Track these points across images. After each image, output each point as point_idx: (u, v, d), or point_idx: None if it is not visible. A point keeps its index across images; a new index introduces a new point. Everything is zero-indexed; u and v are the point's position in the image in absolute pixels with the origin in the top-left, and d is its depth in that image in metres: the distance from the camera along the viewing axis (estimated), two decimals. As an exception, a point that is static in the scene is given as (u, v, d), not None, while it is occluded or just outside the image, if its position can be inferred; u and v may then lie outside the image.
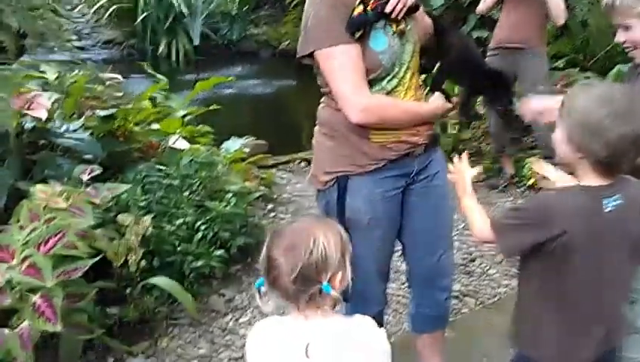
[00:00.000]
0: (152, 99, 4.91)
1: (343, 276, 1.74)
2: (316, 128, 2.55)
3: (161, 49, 11.76)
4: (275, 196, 5.27)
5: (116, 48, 12.33)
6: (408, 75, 2.41)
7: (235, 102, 8.98)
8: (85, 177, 3.30)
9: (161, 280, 3.34)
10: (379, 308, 2.69)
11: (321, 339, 1.71)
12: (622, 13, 2.34)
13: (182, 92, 6.48)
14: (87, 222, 2.99)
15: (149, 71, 5.63)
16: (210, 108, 5.14)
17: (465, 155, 2.35)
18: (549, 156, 5.04)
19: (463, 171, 2.29)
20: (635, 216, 1.94)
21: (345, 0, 2.26)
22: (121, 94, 4.62)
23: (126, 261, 3.32)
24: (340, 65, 2.28)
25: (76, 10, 12.65)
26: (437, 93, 2.53)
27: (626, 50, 2.40)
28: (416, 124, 2.43)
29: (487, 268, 4.23)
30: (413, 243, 2.67)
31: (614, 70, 6.15)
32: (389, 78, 2.36)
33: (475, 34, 7.10)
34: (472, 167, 2.31)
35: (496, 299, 3.89)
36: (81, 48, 11.63)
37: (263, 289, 1.76)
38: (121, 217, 3.25)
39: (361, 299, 2.40)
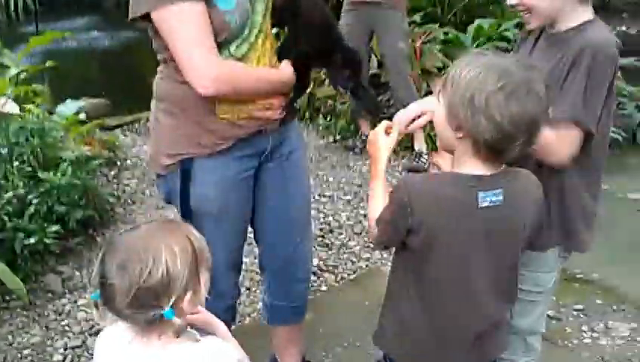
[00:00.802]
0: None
1: (195, 295, 1.50)
2: (153, 103, 2.25)
3: (-3, -3, 10.76)
4: (119, 161, 4.91)
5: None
6: (261, 39, 2.14)
7: (76, 57, 8.45)
8: None
9: (-16, 263, 2.99)
10: (231, 302, 2.48)
11: None
12: None
13: (19, 47, 5.91)
14: None
15: None
16: (46, 65, 4.69)
17: (383, 123, 1.99)
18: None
19: (379, 144, 1.94)
20: (515, 216, 1.74)
21: None
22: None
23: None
24: (183, 28, 1.95)
25: None
26: (285, 60, 2.25)
27: (519, 14, 2.12)
28: (270, 96, 2.18)
29: (347, 239, 4.07)
30: (265, 230, 2.46)
31: (474, 25, 6.17)
32: (238, 42, 2.08)
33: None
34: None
35: (356, 274, 3.70)
36: None
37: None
38: None
39: (212, 294, 2.21)
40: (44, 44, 5.02)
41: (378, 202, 1.84)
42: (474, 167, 1.69)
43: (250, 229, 2.47)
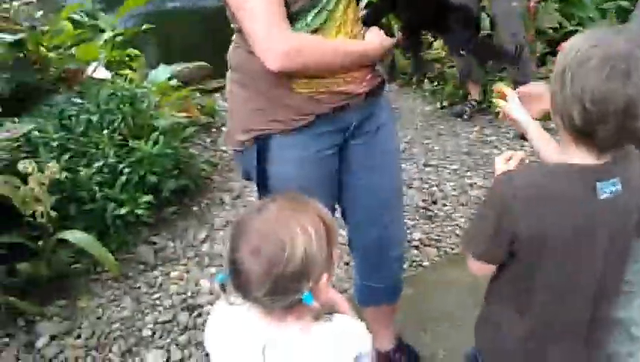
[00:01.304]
0: (74, 20, 4.34)
1: (329, 274, 1.42)
2: (228, 74, 2.04)
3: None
4: (218, 125, 4.78)
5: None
6: (341, 6, 1.88)
7: (179, 18, 8.32)
8: (-23, 118, 2.81)
9: (74, 234, 2.90)
10: None
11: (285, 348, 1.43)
12: None
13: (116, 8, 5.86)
14: (-24, 171, 2.53)
15: None
16: (142, 28, 4.59)
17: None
18: (521, 81, 4.69)
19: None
20: (632, 203, 1.51)
21: None
22: (39, 13, 4.08)
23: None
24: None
25: None
26: (373, 28, 2.00)
27: None
28: (351, 69, 1.93)
29: (452, 211, 3.79)
30: (353, 209, 2.23)
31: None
32: (315, 10, 1.83)
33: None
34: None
35: (460, 248, 3.40)
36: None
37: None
38: (21, 164, 2.77)
39: None
40: (141, 4, 4.88)
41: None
42: (581, 156, 1.46)
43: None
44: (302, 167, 1.98)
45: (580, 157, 1.47)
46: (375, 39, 1.97)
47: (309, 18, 1.83)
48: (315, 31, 1.85)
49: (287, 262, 1.31)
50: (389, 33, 2.03)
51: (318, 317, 1.43)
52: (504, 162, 1.69)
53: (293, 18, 1.80)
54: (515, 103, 1.85)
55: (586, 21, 5.25)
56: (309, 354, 1.42)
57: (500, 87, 1.95)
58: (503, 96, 1.89)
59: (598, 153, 1.45)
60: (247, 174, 2.07)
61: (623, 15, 5.29)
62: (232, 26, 1.95)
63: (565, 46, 1.45)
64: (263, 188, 2.01)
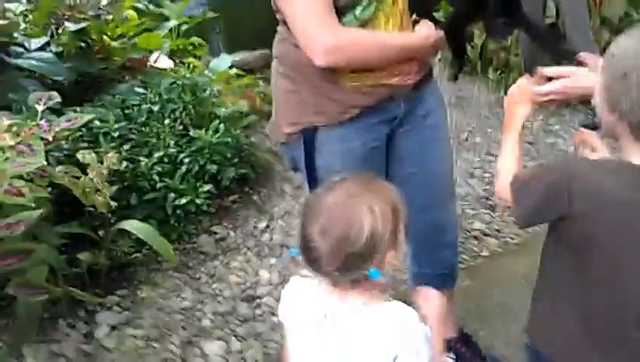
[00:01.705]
0: (138, 9, 4.35)
1: (396, 251, 1.48)
2: (273, 64, 2.03)
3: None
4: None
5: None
6: None
7: (250, 5, 8.30)
8: (40, 107, 2.81)
9: (133, 224, 2.89)
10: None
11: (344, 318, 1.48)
12: None
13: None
14: (35, 163, 2.52)
15: None
16: (206, 16, 4.57)
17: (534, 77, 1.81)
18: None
19: (518, 104, 1.76)
20: None
21: None
22: (105, 1, 4.10)
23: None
24: None
25: None
26: (425, 20, 1.95)
27: None
28: (400, 62, 1.89)
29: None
30: (404, 196, 2.17)
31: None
32: (364, 3, 1.80)
33: None
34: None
35: (521, 238, 3.33)
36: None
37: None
38: (80, 154, 2.77)
39: None
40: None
41: (509, 161, 1.67)
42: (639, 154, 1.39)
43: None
44: (348, 160, 1.96)
45: (637, 156, 1.41)
46: (423, 33, 1.92)
47: (358, 11, 1.80)
48: (364, 24, 1.81)
49: (354, 242, 1.38)
50: (438, 25, 1.96)
51: (384, 292, 1.51)
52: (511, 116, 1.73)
53: (341, 11, 1.78)
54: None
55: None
56: (369, 327, 1.46)
57: (582, 138, 1.84)
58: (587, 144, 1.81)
59: None
60: (294, 165, 2.07)
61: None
62: (277, 16, 1.92)
63: (617, 48, 1.41)
64: (312, 180, 1.99)
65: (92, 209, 2.88)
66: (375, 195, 1.45)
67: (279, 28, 1.96)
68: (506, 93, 4.85)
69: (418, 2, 1.97)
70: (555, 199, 1.42)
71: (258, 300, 3.00)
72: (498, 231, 3.41)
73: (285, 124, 1.98)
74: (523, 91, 1.77)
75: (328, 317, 1.49)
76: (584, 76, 1.74)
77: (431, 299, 1.66)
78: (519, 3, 1.97)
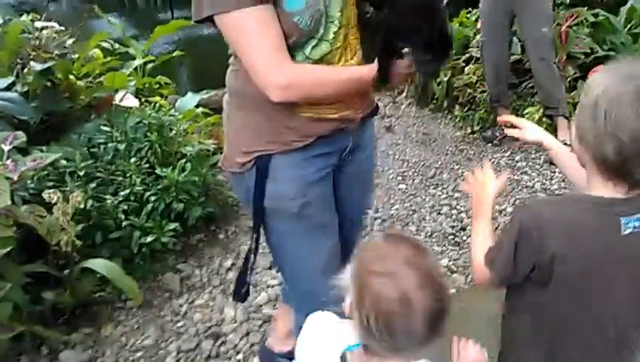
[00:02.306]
0: (104, 48, 4.38)
1: None
2: (226, 98, 2.06)
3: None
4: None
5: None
6: (342, 34, 1.89)
7: (209, 43, 8.37)
8: (6, 147, 2.83)
9: (98, 263, 2.90)
10: (335, 308, 2.28)
11: None
12: None
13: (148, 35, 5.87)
14: (0, 203, 2.54)
15: (100, 14, 4.97)
16: (173, 54, 4.62)
17: (487, 164, 1.87)
18: (551, 106, 4.61)
19: (485, 184, 1.78)
20: None
21: None
22: (70, 41, 4.12)
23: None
24: (248, 33, 1.75)
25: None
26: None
27: None
28: (350, 95, 1.95)
29: (480, 238, 3.73)
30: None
31: (627, 5, 5.56)
32: (313, 42, 1.84)
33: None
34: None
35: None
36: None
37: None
38: (46, 193, 2.79)
39: (313, 301, 1.97)
40: (171, 32, 4.91)
41: (485, 242, 1.63)
42: (605, 189, 1.43)
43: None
44: (301, 187, 2.00)
45: (607, 190, 1.44)
46: (371, 64, 1.96)
47: (308, 50, 1.84)
48: (316, 61, 1.86)
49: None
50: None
51: None
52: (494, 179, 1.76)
53: (291, 50, 1.81)
54: (525, 125, 1.86)
55: (618, 46, 5.16)
56: None
57: (503, 118, 1.99)
58: (511, 125, 1.90)
59: (627, 188, 1.42)
60: (246, 196, 2.08)
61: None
62: (229, 51, 1.96)
63: (593, 79, 1.43)
64: (258, 207, 2.01)
65: (57, 248, 2.88)
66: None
67: (231, 60, 1.98)
68: (472, 130, 4.95)
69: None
70: (530, 246, 1.45)
71: (223, 338, 3.00)
72: (465, 268, 3.45)
73: (239, 153, 1.99)
74: (485, 170, 1.81)
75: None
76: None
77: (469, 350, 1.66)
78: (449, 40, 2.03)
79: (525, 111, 4.95)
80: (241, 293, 2.22)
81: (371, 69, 1.94)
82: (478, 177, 1.80)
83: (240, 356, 2.91)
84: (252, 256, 2.13)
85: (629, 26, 5.42)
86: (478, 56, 5.24)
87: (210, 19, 1.78)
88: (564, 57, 5.00)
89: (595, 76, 1.45)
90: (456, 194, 4.25)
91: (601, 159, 1.39)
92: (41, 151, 3.19)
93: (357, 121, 2.05)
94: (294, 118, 1.91)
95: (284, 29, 1.77)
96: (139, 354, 2.91)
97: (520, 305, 1.60)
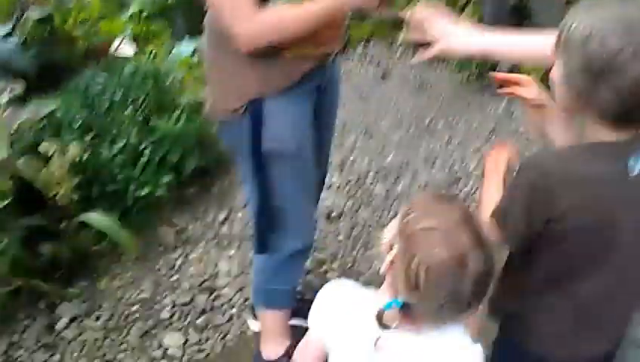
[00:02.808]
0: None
1: None
2: (206, 43, 2.08)
3: None
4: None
5: None
6: None
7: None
8: (4, 98, 2.83)
9: (94, 217, 2.93)
10: (310, 241, 2.44)
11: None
12: None
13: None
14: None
15: None
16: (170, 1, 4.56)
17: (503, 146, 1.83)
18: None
19: (500, 162, 1.77)
20: None
21: None
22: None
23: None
24: None
25: None
26: None
27: None
28: (332, 26, 1.99)
29: (473, 191, 3.77)
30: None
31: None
32: None
33: None
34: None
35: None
36: None
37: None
38: (43, 145, 2.80)
39: (296, 235, 2.27)
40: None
41: (492, 201, 1.61)
42: (607, 133, 1.41)
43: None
44: (295, 126, 2.07)
45: (603, 134, 1.42)
46: None
47: None
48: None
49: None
50: None
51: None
52: (493, 164, 1.74)
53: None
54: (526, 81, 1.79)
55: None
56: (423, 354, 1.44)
57: (499, 75, 1.86)
58: (507, 83, 1.81)
59: (623, 131, 1.41)
60: (236, 143, 2.12)
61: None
62: None
63: (578, 32, 1.35)
64: (256, 152, 2.04)
65: (54, 201, 2.90)
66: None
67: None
68: (469, 76, 4.77)
69: None
70: (539, 203, 1.45)
71: (217, 291, 3.06)
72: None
73: (230, 99, 2.01)
74: (499, 147, 1.80)
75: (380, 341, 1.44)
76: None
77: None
78: None
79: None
80: (262, 247, 2.28)
81: None
82: (494, 156, 1.79)
83: (234, 310, 2.97)
84: (262, 208, 2.18)
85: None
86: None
87: None
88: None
89: (576, 19, 1.37)
90: (450, 146, 4.25)
91: (603, 111, 1.38)
92: (39, 100, 3.18)
93: (332, 56, 2.11)
94: (279, 59, 1.93)
95: None
96: (134, 307, 2.98)
97: (532, 261, 1.61)
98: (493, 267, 1.34)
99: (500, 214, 1.56)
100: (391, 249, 1.38)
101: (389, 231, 1.42)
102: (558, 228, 1.46)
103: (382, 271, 1.43)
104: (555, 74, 1.46)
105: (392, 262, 1.37)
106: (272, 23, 1.87)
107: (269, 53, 1.90)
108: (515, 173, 1.57)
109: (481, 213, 1.64)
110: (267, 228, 2.23)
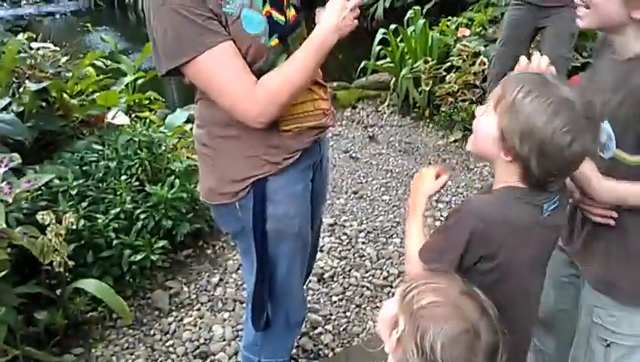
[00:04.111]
0: (96, 66, 4.43)
1: None
2: (202, 131, 2.07)
3: (128, -3, 11.01)
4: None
5: (83, -1, 11.77)
6: (298, 44, 1.96)
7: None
8: (1, 170, 2.89)
9: (88, 283, 2.97)
10: (304, 313, 2.48)
11: None
12: None
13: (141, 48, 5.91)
14: (-4, 224, 2.61)
15: (90, 28, 5.01)
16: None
17: (433, 168, 1.89)
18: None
19: (419, 188, 1.85)
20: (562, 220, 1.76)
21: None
22: (64, 59, 4.18)
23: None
24: (213, 72, 1.82)
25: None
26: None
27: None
28: (320, 99, 2.08)
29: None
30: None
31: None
32: (284, 58, 1.94)
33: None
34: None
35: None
36: (48, 1, 11.12)
37: None
38: (39, 215, 2.85)
39: (293, 310, 2.32)
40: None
41: (418, 240, 1.72)
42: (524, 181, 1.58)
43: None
44: (296, 203, 2.10)
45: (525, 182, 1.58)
46: (329, 17, 1.90)
47: (279, 63, 1.93)
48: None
49: None
50: None
51: None
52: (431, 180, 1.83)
53: (264, 70, 1.88)
54: None
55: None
56: None
57: None
58: None
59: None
60: (238, 227, 2.12)
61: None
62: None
63: (524, 101, 1.48)
64: (261, 234, 2.06)
65: (49, 268, 2.95)
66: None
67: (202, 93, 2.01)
68: (455, 139, 4.93)
69: None
70: (477, 245, 1.54)
71: (212, 357, 3.07)
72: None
73: (229, 183, 2.02)
74: (425, 173, 1.88)
75: None
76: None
77: None
78: None
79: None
80: (261, 324, 2.27)
81: (334, 24, 1.88)
82: (415, 178, 1.87)
83: (228, 374, 3.00)
84: (262, 287, 2.18)
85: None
86: (459, 65, 5.30)
87: (175, 71, 1.84)
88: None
89: (523, 90, 1.49)
90: (440, 205, 4.34)
91: (529, 171, 1.52)
92: (35, 170, 3.24)
93: (328, 129, 2.17)
94: (278, 136, 1.98)
95: (254, 52, 1.85)
96: (129, 374, 2.99)
97: None
98: (501, 336, 1.36)
99: (435, 253, 1.64)
100: (395, 326, 1.39)
101: (388, 309, 1.44)
102: (489, 264, 1.57)
103: (387, 349, 1.43)
104: (487, 124, 1.59)
105: (398, 340, 1.38)
106: (278, 85, 1.87)
107: (266, 130, 1.93)
108: (451, 218, 1.66)
109: (408, 246, 1.73)
110: (266, 304, 2.24)
